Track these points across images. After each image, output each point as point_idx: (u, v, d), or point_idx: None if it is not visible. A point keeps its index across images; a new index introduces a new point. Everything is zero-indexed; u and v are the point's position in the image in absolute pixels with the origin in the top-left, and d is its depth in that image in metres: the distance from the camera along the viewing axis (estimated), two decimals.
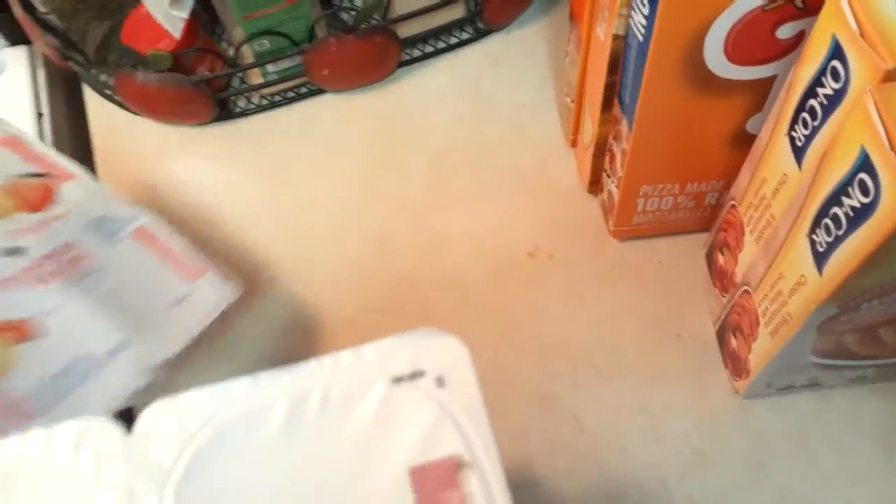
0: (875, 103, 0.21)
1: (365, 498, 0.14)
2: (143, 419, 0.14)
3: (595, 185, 0.39)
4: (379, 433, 0.14)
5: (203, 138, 0.44)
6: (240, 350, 0.38)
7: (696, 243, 0.38)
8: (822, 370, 0.33)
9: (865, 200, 0.22)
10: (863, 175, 0.22)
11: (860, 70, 0.23)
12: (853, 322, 0.28)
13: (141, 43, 0.40)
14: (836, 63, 0.24)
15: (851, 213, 0.23)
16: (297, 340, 0.38)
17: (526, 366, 0.37)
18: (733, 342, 0.34)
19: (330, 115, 0.45)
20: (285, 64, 0.42)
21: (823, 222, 0.25)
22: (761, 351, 0.31)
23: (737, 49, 0.28)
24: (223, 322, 0.35)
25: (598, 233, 0.39)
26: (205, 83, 0.41)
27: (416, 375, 0.14)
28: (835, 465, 0.33)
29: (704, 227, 0.38)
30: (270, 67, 0.42)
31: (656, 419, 0.35)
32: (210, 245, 0.41)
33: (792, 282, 0.27)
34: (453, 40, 0.46)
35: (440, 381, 0.14)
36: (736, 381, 0.35)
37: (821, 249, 0.25)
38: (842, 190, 0.23)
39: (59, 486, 0.13)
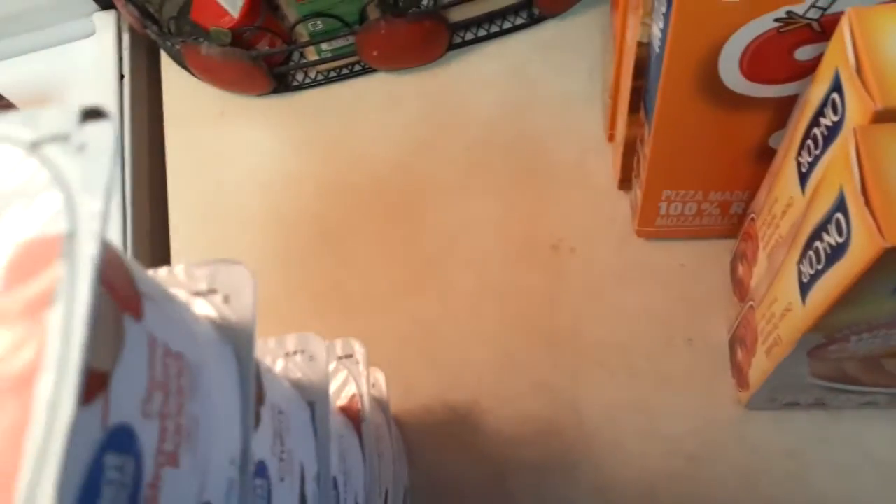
0: (857, 144, 0.21)
1: None
2: None
3: (625, 183, 0.40)
4: None
5: (261, 108, 0.47)
6: None
7: (723, 250, 0.38)
8: (827, 392, 0.32)
9: (840, 241, 0.22)
10: (839, 215, 0.22)
11: (853, 107, 0.22)
12: (846, 351, 0.27)
13: (207, 19, 0.43)
14: (835, 96, 0.23)
15: (829, 251, 0.23)
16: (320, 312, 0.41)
17: (533, 353, 0.38)
18: (739, 354, 0.34)
19: (380, 94, 0.46)
20: (338, 43, 0.44)
21: (808, 254, 0.24)
22: (759, 367, 0.31)
23: (753, 68, 0.27)
24: None
25: (624, 231, 0.40)
26: (262, 58, 0.43)
27: (210, 293, 0.16)
28: (829, 486, 0.33)
29: (731, 234, 0.37)
30: (324, 46, 0.44)
31: (656, 421, 0.36)
32: (250, 208, 0.44)
33: (783, 306, 0.27)
34: (507, 25, 0.46)
35: (227, 299, 0.16)
36: (740, 392, 0.35)
37: (805, 280, 0.25)
38: (823, 226, 0.23)
39: None
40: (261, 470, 0.16)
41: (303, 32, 0.43)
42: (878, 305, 0.23)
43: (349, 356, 0.25)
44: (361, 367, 0.25)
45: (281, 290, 0.42)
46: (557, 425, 0.36)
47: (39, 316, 0.10)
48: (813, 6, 0.25)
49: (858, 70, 0.22)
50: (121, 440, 0.11)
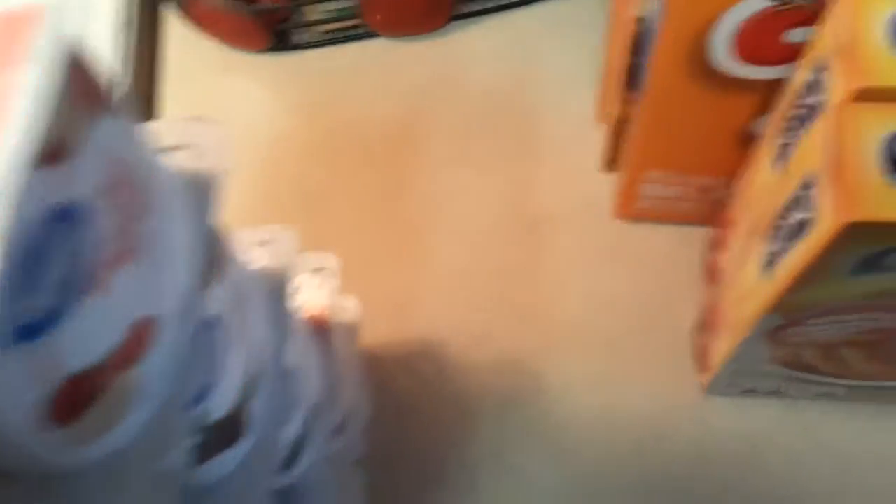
0: (837, 120, 0.21)
1: None
2: None
3: (611, 164, 0.40)
4: None
5: (259, 64, 0.47)
6: None
7: (700, 237, 0.39)
8: (787, 381, 0.33)
9: (807, 216, 0.22)
10: (808, 191, 0.22)
11: (837, 86, 0.23)
12: (805, 336, 0.28)
13: None
14: (820, 76, 0.24)
15: (795, 227, 0.23)
16: None
17: (503, 326, 0.38)
18: (703, 338, 0.35)
19: (379, 59, 0.47)
20: (342, 4, 0.44)
21: (774, 233, 0.25)
22: (720, 350, 0.32)
23: (745, 47, 0.28)
24: None
25: (605, 212, 0.40)
26: (264, 14, 0.44)
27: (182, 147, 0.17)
28: (781, 472, 0.34)
29: (709, 222, 0.38)
30: (328, 6, 0.44)
31: (617, 399, 0.36)
32: (236, 164, 0.44)
33: (747, 287, 0.28)
34: None
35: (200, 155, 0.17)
36: (701, 376, 0.35)
37: (768, 259, 0.25)
38: (790, 203, 0.24)
39: None
40: (216, 322, 0.16)
41: None
42: (837, 286, 0.23)
43: (322, 269, 0.26)
44: (334, 280, 0.26)
45: None
46: (519, 398, 0.37)
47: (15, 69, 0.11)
48: None
49: (845, 49, 0.22)
50: (75, 214, 0.11)
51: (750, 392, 0.35)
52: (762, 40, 0.27)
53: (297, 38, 0.47)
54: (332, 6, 0.44)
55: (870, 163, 0.20)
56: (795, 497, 0.33)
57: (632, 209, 0.38)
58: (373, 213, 0.42)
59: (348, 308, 0.32)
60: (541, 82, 0.44)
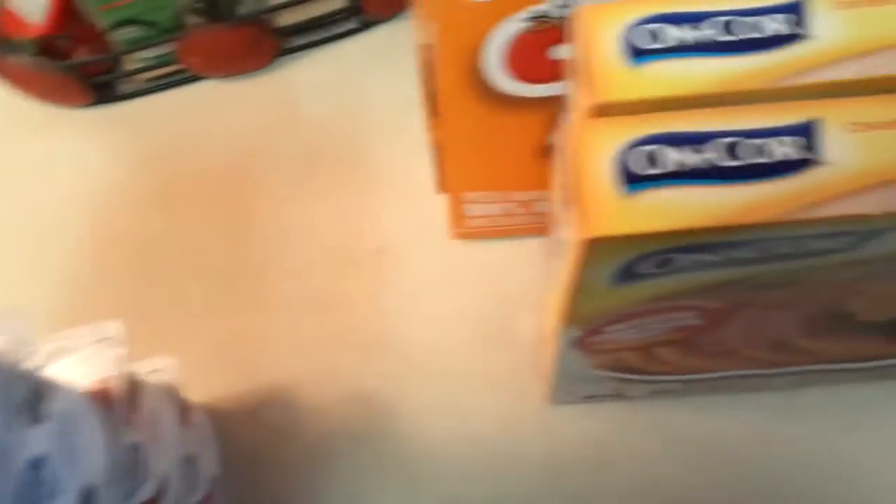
0: (572, 138, 0.22)
1: None
2: None
3: (441, 187, 0.40)
4: None
5: (84, 119, 0.46)
6: None
7: (538, 247, 0.39)
8: (622, 383, 0.33)
9: (563, 233, 0.23)
10: (563, 208, 0.23)
11: (577, 103, 0.23)
12: (612, 343, 0.28)
13: (13, 28, 0.41)
14: (569, 92, 0.24)
15: (559, 244, 0.23)
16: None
17: (353, 361, 0.38)
18: (540, 350, 0.35)
19: (211, 102, 0.46)
20: (159, 50, 0.43)
21: (555, 248, 0.25)
22: (547, 362, 0.32)
23: (517, 67, 0.28)
24: None
25: (444, 233, 0.40)
26: (78, 68, 0.42)
27: None
28: (631, 473, 0.34)
29: (542, 231, 0.38)
30: (146, 53, 0.43)
31: (467, 421, 0.36)
32: (67, 225, 0.42)
33: (548, 300, 0.28)
34: (338, 31, 0.46)
35: None
36: (544, 387, 0.35)
37: (555, 273, 0.26)
38: (557, 220, 0.24)
39: None
40: None
41: (117, 40, 0.42)
42: (606, 296, 0.24)
43: (104, 339, 0.25)
44: (118, 348, 0.25)
45: (94, 309, 0.40)
46: (371, 432, 0.36)
47: None
48: (556, 6, 0.26)
49: (582, 65, 0.22)
50: None
51: (592, 398, 0.35)
52: (531, 59, 0.28)
53: (122, 88, 0.46)
54: (149, 53, 0.43)
55: (604, 178, 0.20)
56: (646, 495, 0.34)
57: (465, 229, 0.38)
58: (214, 258, 0.41)
59: (162, 368, 0.31)
60: (372, 110, 0.44)
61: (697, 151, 0.20)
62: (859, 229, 0.20)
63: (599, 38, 0.22)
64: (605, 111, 0.21)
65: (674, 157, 0.20)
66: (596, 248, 0.20)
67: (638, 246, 0.20)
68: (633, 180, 0.20)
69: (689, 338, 0.29)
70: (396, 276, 0.40)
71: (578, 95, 0.23)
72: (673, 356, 0.30)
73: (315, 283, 0.40)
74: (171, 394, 0.31)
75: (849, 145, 0.20)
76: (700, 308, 0.26)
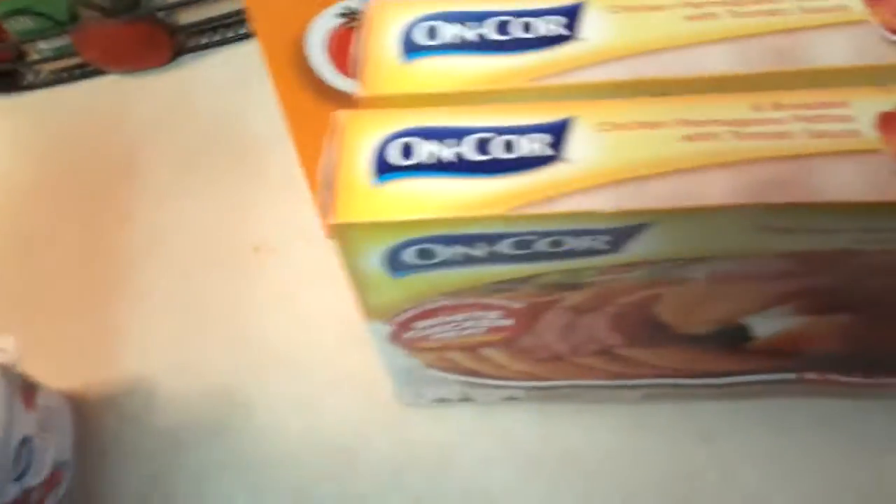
0: (334, 128, 0.22)
1: None
2: None
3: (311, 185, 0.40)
4: None
5: None
6: None
7: None
8: (467, 386, 0.33)
9: None
10: None
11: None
12: (433, 340, 0.28)
13: None
14: None
15: None
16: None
17: (216, 357, 0.38)
18: None
19: (111, 95, 0.46)
20: (59, 42, 0.44)
21: None
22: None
23: (339, 63, 0.28)
24: None
25: (321, 233, 0.40)
26: None
27: None
28: (473, 477, 0.34)
29: None
30: (43, 45, 0.44)
31: (321, 419, 0.36)
32: None
33: None
34: (242, 31, 0.47)
35: None
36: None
37: None
38: None
39: None
40: None
41: (13, 30, 0.43)
42: (391, 287, 0.24)
43: None
44: None
45: None
46: (227, 426, 0.36)
47: None
48: (362, 1, 0.26)
49: (361, 59, 0.23)
50: None
51: (443, 401, 0.35)
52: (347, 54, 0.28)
53: (28, 78, 0.46)
54: (47, 45, 0.44)
55: (359, 167, 0.21)
56: (482, 500, 0.34)
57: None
58: (92, 250, 0.41)
59: (1, 349, 0.31)
60: (264, 111, 0.44)
61: (451, 145, 0.21)
62: (603, 227, 0.20)
63: (380, 34, 0.23)
64: (373, 104, 0.22)
65: (428, 150, 0.21)
66: (342, 235, 0.21)
67: (382, 234, 0.20)
68: (385, 171, 0.20)
69: (508, 339, 0.29)
70: (270, 273, 0.40)
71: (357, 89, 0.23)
72: (502, 359, 0.30)
73: (188, 278, 0.40)
74: (7, 374, 0.31)
75: (595, 144, 0.20)
76: (503, 308, 0.26)
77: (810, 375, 0.33)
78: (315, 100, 0.30)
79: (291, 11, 0.26)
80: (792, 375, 0.33)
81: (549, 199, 0.20)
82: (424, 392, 0.34)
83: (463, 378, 0.32)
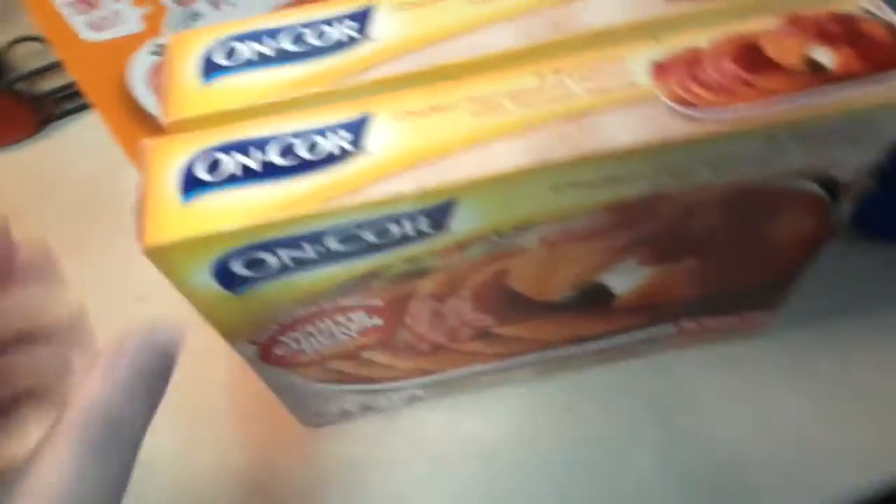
0: (144, 154, 0.23)
1: None
2: None
3: None
4: None
5: None
6: None
7: None
8: (363, 395, 0.34)
9: None
10: None
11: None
12: (309, 353, 0.29)
13: None
14: None
15: None
16: None
17: None
18: None
19: None
20: None
21: None
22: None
23: None
24: None
25: None
26: None
27: None
28: (385, 485, 0.34)
29: None
30: None
31: (228, 455, 0.36)
32: None
33: None
34: None
35: None
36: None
37: None
38: None
39: None
40: None
41: None
42: (237, 304, 0.24)
43: None
44: None
45: None
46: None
47: None
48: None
49: (163, 87, 0.23)
50: None
51: (346, 415, 0.35)
52: None
53: None
54: None
55: (166, 190, 0.21)
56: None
57: None
58: None
59: None
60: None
61: (256, 155, 0.21)
62: (413, 209, 0.21)
63: (181, 62, 0.23)
64: (178, 128, 0.22)
65: (234, 162, 0.21)
66: (159, 257, 0.21)
67: (197, 250, 0.21)
68: (192, 188, 0.21)
69: (383, 338, 0.29)
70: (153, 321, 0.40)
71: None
72: (385, 359, 0.31)
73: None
74: None
75: (393, 134, 0.21)
76: (364, 307, 0.27)
77: (688, 324, 0.34)
78: (148, 133, 0.30)
79: (104, 55, 0.27)
80: (670, 327, 0.34)
81: (355, 191, 0.20)
82: (324, 409, 0.34)
83: (357, 387, 0.33)
